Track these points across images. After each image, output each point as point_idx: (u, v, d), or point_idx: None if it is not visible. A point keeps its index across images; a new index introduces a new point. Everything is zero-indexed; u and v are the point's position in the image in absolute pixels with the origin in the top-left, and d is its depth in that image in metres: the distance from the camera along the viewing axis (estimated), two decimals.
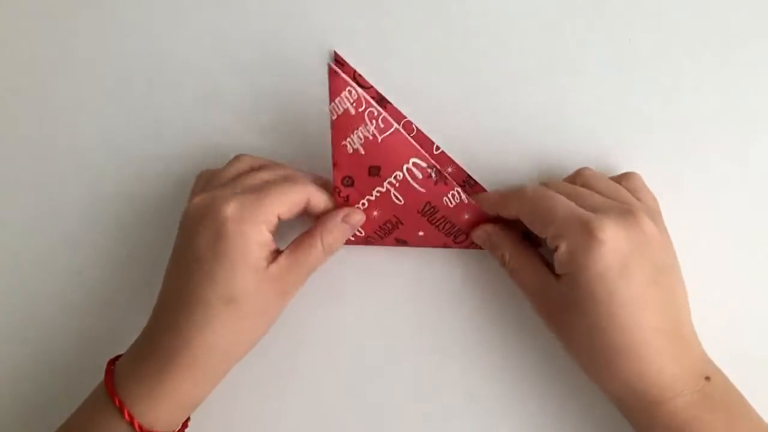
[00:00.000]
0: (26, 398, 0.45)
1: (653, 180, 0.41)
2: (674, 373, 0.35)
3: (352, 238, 0.42)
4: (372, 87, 0.42)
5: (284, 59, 0.44)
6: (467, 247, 0.42)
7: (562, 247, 0.36)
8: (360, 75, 0.42)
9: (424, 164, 0.39)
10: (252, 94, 0.44)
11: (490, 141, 0.43)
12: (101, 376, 0.39)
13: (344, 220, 0.40)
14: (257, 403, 0.44)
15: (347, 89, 0.37)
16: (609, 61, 0.43)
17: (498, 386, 0.43)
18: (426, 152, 0.39)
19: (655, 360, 0.35)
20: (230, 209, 0.36)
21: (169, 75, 0.45)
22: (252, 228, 0.36)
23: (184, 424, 0.40)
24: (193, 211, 0.38)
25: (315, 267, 0.39)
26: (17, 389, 0.45)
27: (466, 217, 0.41)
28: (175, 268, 0.38)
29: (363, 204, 0.40)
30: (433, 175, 0.39)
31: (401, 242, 0.42)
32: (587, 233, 0.35)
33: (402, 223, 0.41)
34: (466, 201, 0.40)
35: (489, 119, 0.43)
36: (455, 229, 0.41)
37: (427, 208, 0.40)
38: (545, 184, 0.39)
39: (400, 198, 0.40)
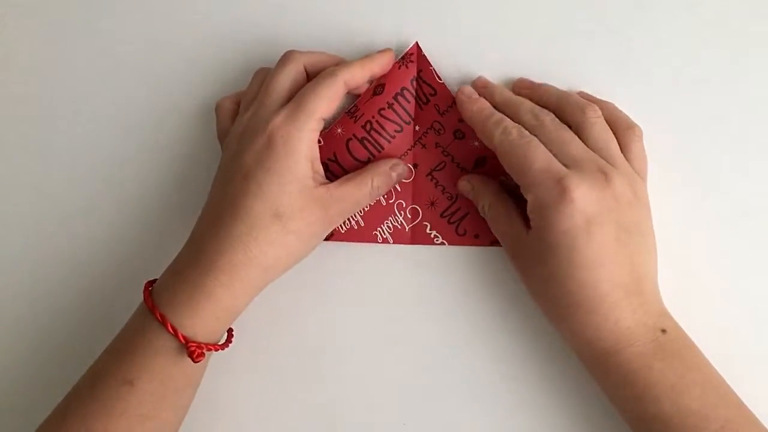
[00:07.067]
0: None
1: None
2: (629, 325, 0.36)
3: (344, 230, 0.43)
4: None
5: None
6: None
7: (532, 200, 0.37)
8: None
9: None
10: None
11: None
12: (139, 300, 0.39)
13: (392, 168, 0.42)
14: (254, 400, 0.44)
15: None
16: (608, 57, 0.43)
17: (500, 383, 0.43)
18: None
19: (611, 313, 0.36)
20: (276, 124, 0.38)
21: (168, 75, 0.45)
22: (299, 141, 0.38)
23: (229, 339, 0.41)
24: (241, 127, 0.39)
25: (360, 206, 0.41)
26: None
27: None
28: (221, 183, 0.39)
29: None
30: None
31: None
32: (559, 190, 0.36)
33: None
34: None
35: None
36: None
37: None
38: (539, 92, 0.41)
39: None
